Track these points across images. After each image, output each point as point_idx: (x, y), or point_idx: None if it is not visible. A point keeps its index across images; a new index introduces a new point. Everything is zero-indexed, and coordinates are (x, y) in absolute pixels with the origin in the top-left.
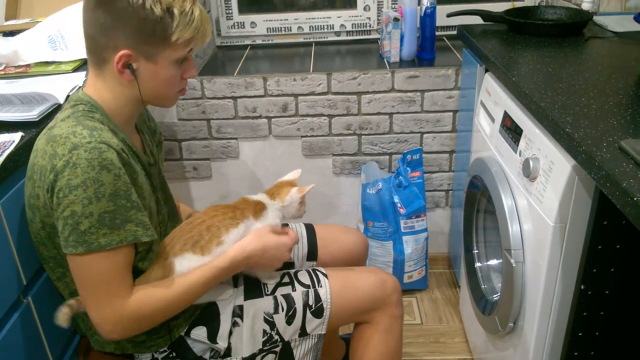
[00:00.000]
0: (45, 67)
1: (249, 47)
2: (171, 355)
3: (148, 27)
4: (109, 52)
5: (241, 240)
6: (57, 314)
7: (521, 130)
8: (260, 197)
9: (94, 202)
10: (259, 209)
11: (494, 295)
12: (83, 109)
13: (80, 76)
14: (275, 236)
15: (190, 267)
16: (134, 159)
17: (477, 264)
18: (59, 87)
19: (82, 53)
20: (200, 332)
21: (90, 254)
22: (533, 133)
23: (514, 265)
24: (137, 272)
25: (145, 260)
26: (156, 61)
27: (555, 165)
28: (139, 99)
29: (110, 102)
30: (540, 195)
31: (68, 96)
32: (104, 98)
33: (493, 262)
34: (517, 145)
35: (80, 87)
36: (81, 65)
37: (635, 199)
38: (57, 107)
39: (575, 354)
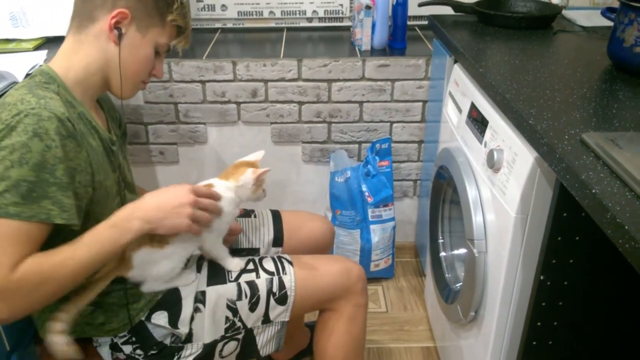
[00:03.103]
0: (5, 45)
1: (219, 31)
2: (131, 340)
3: None
4: (103, 11)
5: None
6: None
7: (487, 122)
8: (211, 180)
9: (15, 167)
10: None
11: (457, 285)
12: (40, 80)
13: (41, 54)
14: (175, 186)
15: (150, 260)
16: (91, 134)
17: (442, 253)
18: (18, 65)
19: (44, 31)
20: (161, 317)
21: None
22: (498, 124)
23: (476, 255)
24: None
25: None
26: (144, 35)
27: (519, 157)
28: (108, 71)
29: (78, 71)
30: (503, 186)
31: (28, 75)
32: (73, 66)
33: (457, 251)
34: (483, 137)
35: (41, 65)
36: (43, 44)
37: (593, 191)
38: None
39: (534, 343)
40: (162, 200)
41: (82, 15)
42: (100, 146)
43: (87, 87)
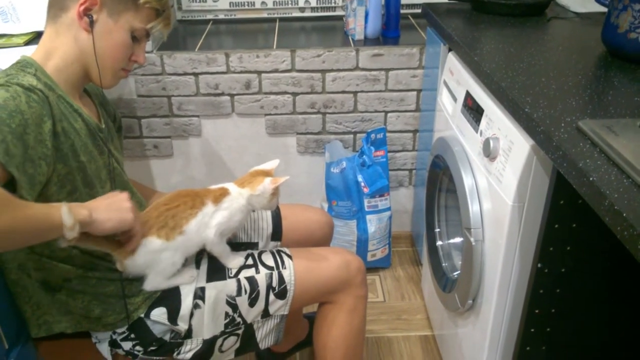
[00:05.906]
0: None
1: (211, 22)
2: (130, 337)
3: None
4: None
5: None
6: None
7: (482, 110)
8: (226, 184)
9: None
10: (219, 194)
11: (454, 273)
12: (19, 65)
13: (32, 49)
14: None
15: (152, 249)
16: (73, 117)
17: (439, 242)
18: (8, 60)
19: (34, 25)
20: (160, 313)
21: None
22: (494, 113)
23: (473, 243)
24: None
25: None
26: (117, 20)
27: (515, 145)
28: (85, 59)
29: (57, 61)
30: (499, 174)
31: None
32: (51, 56)
33: (454, 240)
34: (478, 125)
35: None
36: (34, 39)
37: (591, 178)
38: None
39: (532, 330)
40: (106, 199)
41: (56, 5)
42: (85, 129)
43: (68, 76)
